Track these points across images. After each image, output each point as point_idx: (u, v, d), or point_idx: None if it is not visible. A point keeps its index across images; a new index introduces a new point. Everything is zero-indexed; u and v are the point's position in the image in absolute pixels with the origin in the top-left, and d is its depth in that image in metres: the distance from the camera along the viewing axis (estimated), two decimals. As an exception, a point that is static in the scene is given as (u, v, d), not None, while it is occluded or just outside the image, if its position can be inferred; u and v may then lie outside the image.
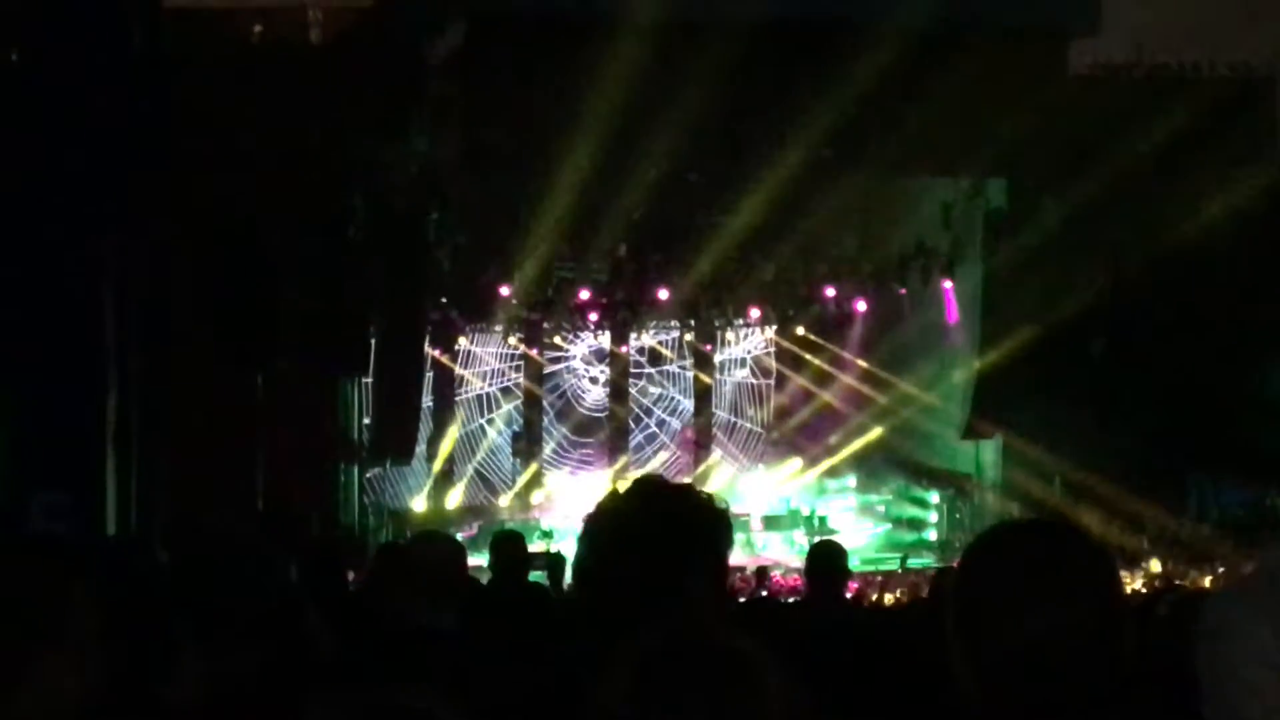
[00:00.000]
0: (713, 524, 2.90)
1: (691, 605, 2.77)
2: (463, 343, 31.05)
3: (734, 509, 26.95)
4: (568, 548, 21.37)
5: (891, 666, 4.22)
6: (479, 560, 9.97)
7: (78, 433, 16.58)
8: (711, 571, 2.87)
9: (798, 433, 33.07)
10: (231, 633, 4.26)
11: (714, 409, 33.30)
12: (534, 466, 31.48)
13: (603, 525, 2.89)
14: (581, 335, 32.09)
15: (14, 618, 2.68)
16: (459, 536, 23.56)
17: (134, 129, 17.70)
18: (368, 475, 27.79)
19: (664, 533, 2.83)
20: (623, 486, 2.99)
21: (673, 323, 32.31)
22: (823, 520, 29.96)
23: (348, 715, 2.02)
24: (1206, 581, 19.96)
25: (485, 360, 31.61)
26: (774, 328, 33.22)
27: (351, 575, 10.36)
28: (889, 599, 21.58)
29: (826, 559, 7.47)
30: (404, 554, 6.11)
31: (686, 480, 31.01)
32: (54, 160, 16.63)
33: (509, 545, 8.23)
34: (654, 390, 32.88)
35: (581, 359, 32.40)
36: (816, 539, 20.50)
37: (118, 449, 17.03)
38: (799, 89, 22.93)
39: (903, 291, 28.86)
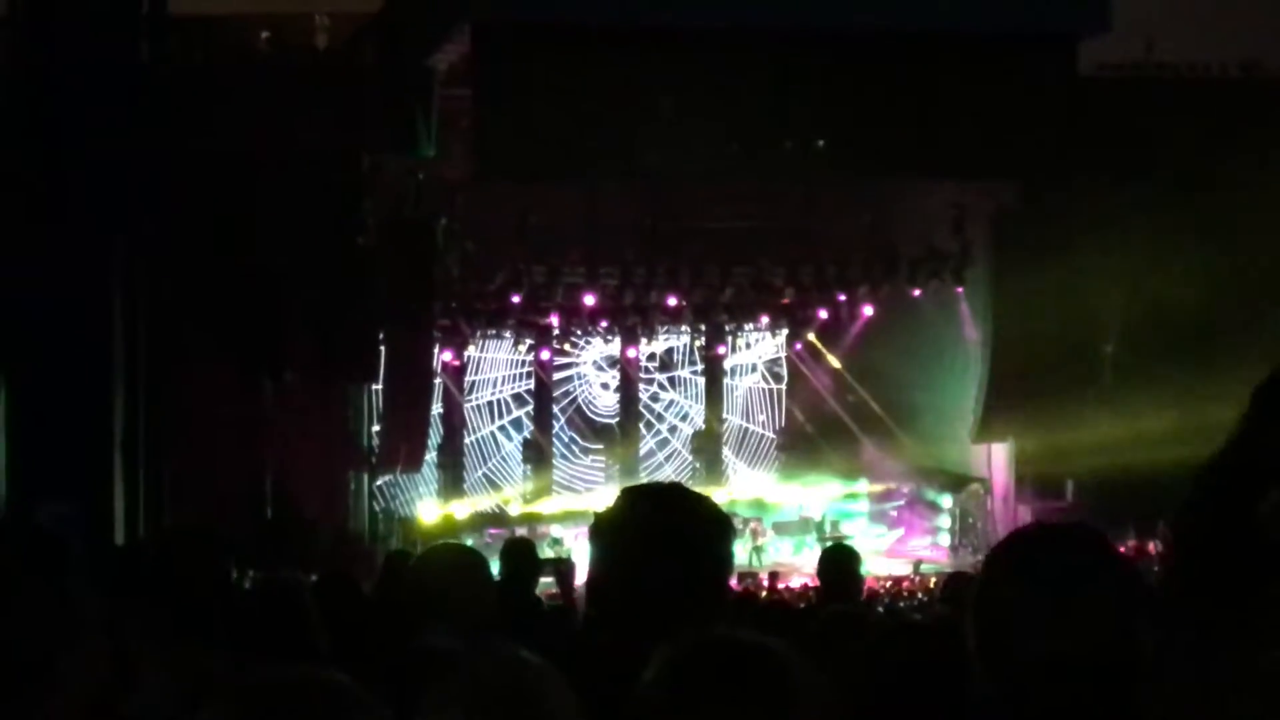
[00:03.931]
0: (714, 528, 2.85)
1: (711, 607, 2.73)
2: (472, 350, 31.00)
3: (745, 515, 26.88)
4: (577, 555, 21.33)
5: (906, 672, 4.12)
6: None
7: (85, 442, 16.52)
8: (716, 575, 2.83)
9: (809, 438, 32.99)
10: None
11: (725, 415, 33.23)
12: (545, 473, 31.41)
13: (607, 534, 2.88)
14: (591, 341, 32.03)
15: (28, 619, 2.64)
16: (469, 543, 23.54)
17: (141, 136, 17.66)
18: (378, 483, 27.78)
19: (668, 538, 2.79)
20: (626, 493, 2.96)
21: (683, 328, 32.24)
22: (835, 525, 29.89)
23: (248, 694, 1.99)
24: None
25: (495, 367, 31.56)
26: (784, 333, 33.16)
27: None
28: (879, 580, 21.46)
29: (839, 563, 7.39)
30: (411, 567, 6.01)
31: (696, 486, 30.94)
32: (61, 167, 16.60)
33: (519, 553, 8.17)
34: (665, 396, 32.84)
35: (592, 365, 32.34)
36: (828, 544, 20.41)
37: (125, 458, 16.98)
38: (809, 94, 22.86)
39: (916, 293, 28.77)
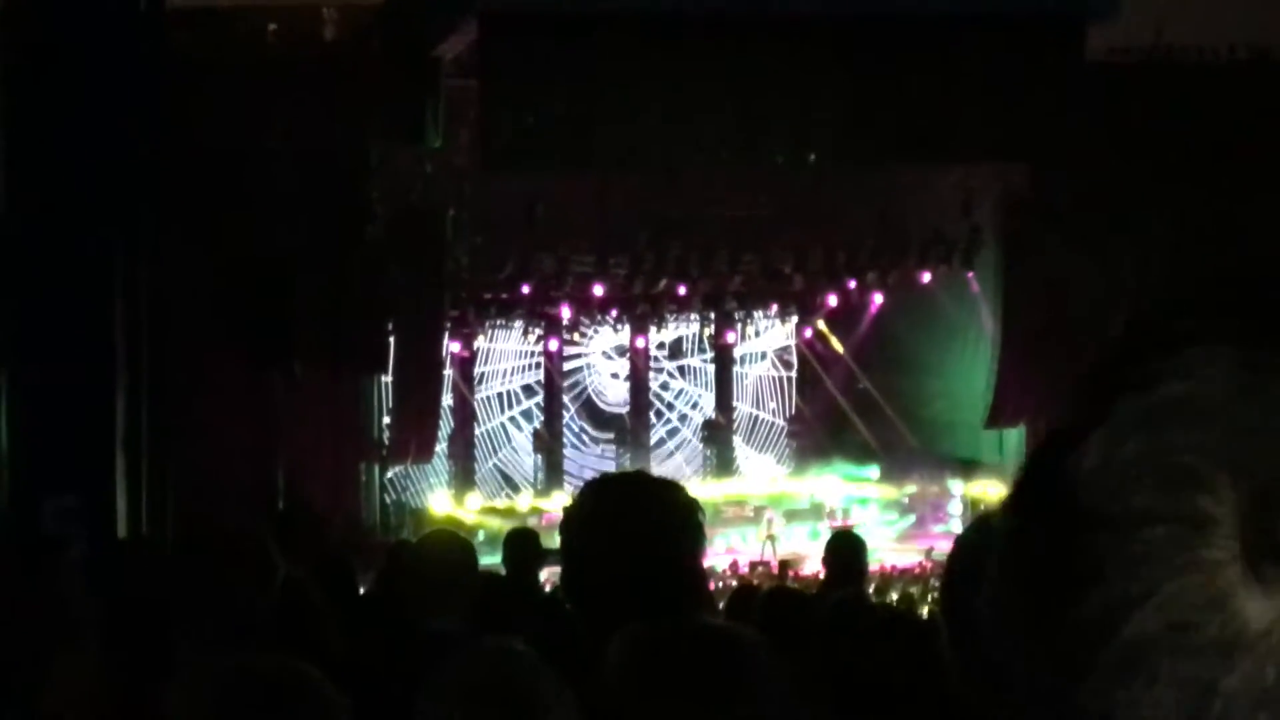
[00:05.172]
0: (677, 516, 2.81)
1: (679, 595, 2.68)
2: (481, 340, 30.96)
3: (755, 503, 26.92)
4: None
5: (903, 659, 4.08)
6: (494, 559, 9.89)
7: (87, 435, 16.49)
8: (681, 562, 2.79)
9: (819, 425, 32.96)
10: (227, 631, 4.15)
11: (735, 402, 33.19)
12: (555, 464, 31.39)
13: (573, 527, 2.86)
14: (600, 330, 31.98)
15: (29, 621, 2.62)
16: (481, 536, 23.54)
17: (143, 129, 17.62)
18: (389, 474, 27.77)
19: (628, 528, 2.76)
20: (589, 486, 2.96)
21: (692, 316, 32.20)
22: (846, 512, 29.83)
23: (216, 679, 1.99)
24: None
25: (504, 358, 31.53)
26: (794, 320, 33.12)
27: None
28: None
29: (842, 550, 7.35)
30: (411, 553, 6.02)
31: (709, 477, 31.01)
32: (61, 161, 16.57)
33: (521, 542, 8.14)
34: (675, 384, 32.80)
35: (601, 354, 32.31)
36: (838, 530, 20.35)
37: (128, 451, 16.95)
38: (816, 80, 22.83)
39: (926, 277, 28.73)
